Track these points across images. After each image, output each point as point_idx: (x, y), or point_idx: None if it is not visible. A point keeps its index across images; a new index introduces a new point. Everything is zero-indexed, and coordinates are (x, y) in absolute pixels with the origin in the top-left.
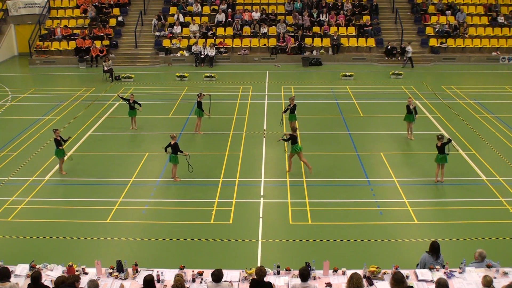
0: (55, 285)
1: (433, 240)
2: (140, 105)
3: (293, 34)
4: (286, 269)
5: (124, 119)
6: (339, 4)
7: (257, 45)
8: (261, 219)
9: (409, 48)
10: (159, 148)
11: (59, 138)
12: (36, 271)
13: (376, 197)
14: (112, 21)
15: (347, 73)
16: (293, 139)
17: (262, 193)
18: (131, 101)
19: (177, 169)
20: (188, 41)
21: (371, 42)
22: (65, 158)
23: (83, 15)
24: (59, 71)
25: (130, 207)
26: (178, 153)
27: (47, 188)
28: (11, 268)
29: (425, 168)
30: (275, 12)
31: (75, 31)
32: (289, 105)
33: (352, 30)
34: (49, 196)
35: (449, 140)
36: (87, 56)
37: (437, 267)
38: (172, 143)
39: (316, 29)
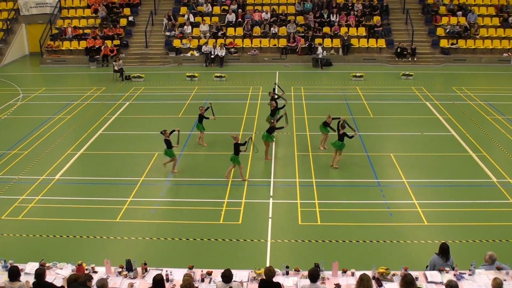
0: (68, 282)
1: (443, 241)
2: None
3: (303, 34)
4: (295, 270)
5: (134, 118)
6: (350, 4)
7: (267, 45)
8: (270, 219)
9: (319, 50)
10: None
11: (169, 139)
12: (40, 268)
13: (386, 198)
14: (123, 21)
15: (357, 74)
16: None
17: (271, 193)
18: (202, 113)
19: (242, 169)
20: (198, 41)
21: (382, 42)
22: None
23: (93, 15)
24: (70, 71)
25: (139, 207)
26: (241, 150)
27: (57, 187)
28: (21, 266)
29: (435, 169)
30: (285, 12)
31: (86, 31)
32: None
33: (362, 31)
34: (59, 195)
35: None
36: (98, 56)
37: (447, 269)
38: (234, 142)
39: (326, 29)
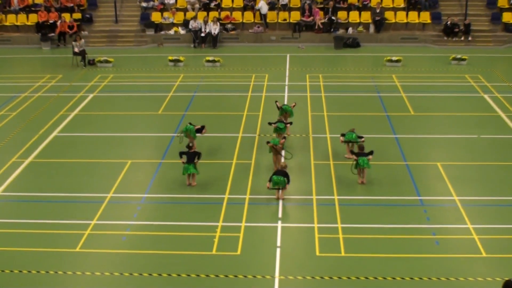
0: None
1: (507, 279)
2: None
3: (322, 6)
4: None
5: (99, 116)
6: None
7: (274, 20)
8: (278, 249)
9: (261, 3)
10: (145, 154)
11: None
12: None
13: (431, 221)
14: None
15: (393, 58)
16: None
17: (280, 215)
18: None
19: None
20: (185, 15)
21: (425, 17)
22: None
23: None
24: (16, 53)
25: (106, 232)
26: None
27: None
28: None
29: (496, 184)
30: None
31: (37, 1)
32: None
33: (400, 1)
34: (0, 217)
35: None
36: (53, 34)
37: None
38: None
39: None
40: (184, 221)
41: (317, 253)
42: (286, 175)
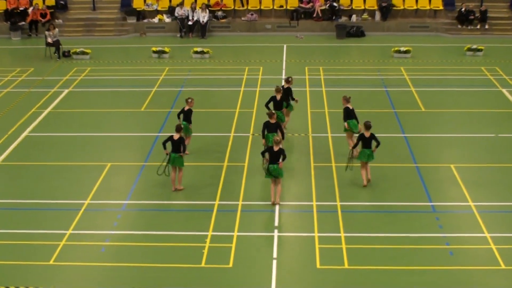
0: None
1: None
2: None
3: None
4: None
5: (75, 114)
6: None
7: (270, 6)
8: (275, 261)
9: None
10: (126, 156)
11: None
12: None
13: (444, 229)
14: None
15: (402, 48)
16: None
17: (276, 223)
18: (186, 109)
19: (280, 191)
20: (170, 1)
21: (437, 3)
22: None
23: None
24: None
25: (83, 242)
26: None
27: None
28: None
29: None
30: None
31: None
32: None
33: None
34: None
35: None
36: (23, 23)
37: None
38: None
39: None
40: (170, 230)
41: (318, 266)
42: (283, 152)
